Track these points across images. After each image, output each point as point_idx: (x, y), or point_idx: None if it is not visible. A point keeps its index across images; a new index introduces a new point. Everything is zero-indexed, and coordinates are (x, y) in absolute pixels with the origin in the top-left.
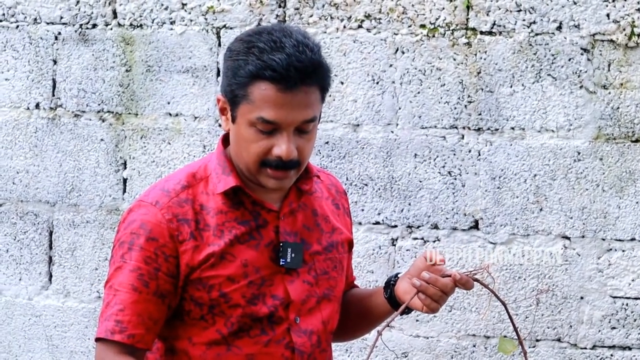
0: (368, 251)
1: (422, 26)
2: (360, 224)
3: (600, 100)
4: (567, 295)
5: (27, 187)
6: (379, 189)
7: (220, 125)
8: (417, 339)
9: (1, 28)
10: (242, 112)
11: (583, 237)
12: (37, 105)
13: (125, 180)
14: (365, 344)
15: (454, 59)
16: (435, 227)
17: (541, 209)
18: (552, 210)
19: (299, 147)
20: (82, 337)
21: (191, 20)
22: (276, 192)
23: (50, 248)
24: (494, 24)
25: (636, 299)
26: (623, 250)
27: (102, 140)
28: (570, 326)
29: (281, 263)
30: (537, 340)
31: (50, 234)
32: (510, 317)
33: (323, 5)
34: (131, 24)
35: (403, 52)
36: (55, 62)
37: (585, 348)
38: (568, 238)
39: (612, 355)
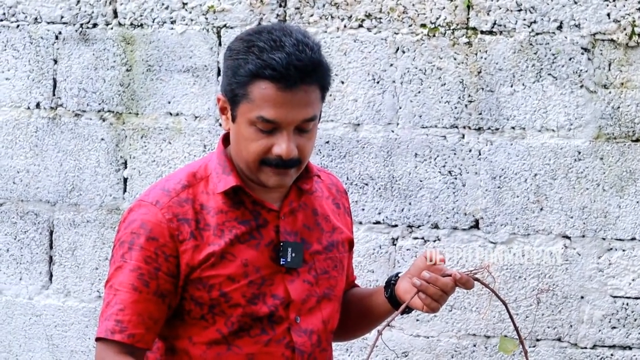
0: (368, 251)
1: (423, 26)
2: (360, 223)
3: (601, 99)
4: (567, 295)
5: (28, 187)
6: (380, 189)
7: (220, 125)
8: (417, 338)
9: (2, 27)
10: (242, 111)
11: (583, 236)
12: (38, 105)
13: (125, 180)
14: (365, 343)
15: (455, 59)
16: (436, 226)
17: (541, 209)
18: (552, 210)
19: (300, 146)
20: (83, 337)
21: (192, 20)
22: (276, 192)
23: (51, 247)
24: (494, 24)
25: (636, 298)
26: (623, 250)
27: (102, 139)
28: (571, 326)
29: (281, 262)
30: (538, 340)
31: (51, 233)
32: (510, 317)
33: (324, 5)
34: (132, 24)
35: (403, 52)
36: (55, 61)
37: (586, 348)
38: (568, 237)
39: (612, 354)
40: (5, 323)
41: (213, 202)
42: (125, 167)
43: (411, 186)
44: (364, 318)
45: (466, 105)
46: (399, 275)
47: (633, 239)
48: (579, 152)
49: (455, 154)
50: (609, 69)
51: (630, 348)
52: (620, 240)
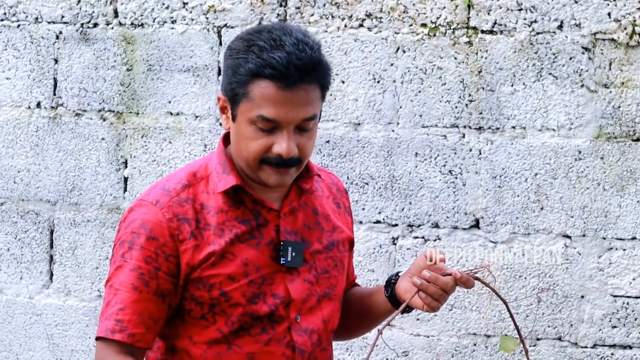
0: (369, 250)
1: (423, 25)
2: (361, 222)
3: (601, 99)
4: (567, 294)
5: (28, 186)
6: (380, 188)
7: (221, 125)
8: (417, 337)
9: (2, 27)
10: (242, 111)
11: (584, 236)
12: (38, 105)
13: (126, 179)
14: (365, 342)
15: (455, 58)
16: (436, 226)
17: (542, 208)
18: (552, 209)
19: (300, 145)
20: (83, 336)
21: (192, 20)
22: (277, 191)
23: (51, 247)
24: (495, 23)
25: (637, 297)
26: (624, 249)
27: (103, 139)
28: (571, 325)
29: (282, 262)
30: (538, 339)
31: (51, 232)
32: (511, 315)
33: (324, 4)
34: (132, 23)
35: (404, 51)
36: (56, 61)
37: (586, 347)
38: (569, 237)
39: (612, 354)
40: (6, 322)
41: (213, 201)
42: (126, 167)
43: (411, 186)
44: (364, 317)
45: (467, 105)
46: (399, 274)
47: (633, 238)
48: (580, 152)
49: (455, 153)
50: (610, 69)
51: (630, 347)
52: (620, 239)
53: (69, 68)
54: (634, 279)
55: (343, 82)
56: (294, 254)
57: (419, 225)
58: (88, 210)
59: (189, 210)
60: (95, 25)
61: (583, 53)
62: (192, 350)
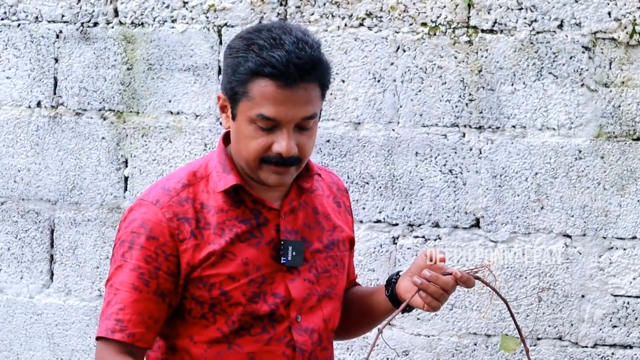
0: (369, 249)
1: (424, 24)
2: (361, 222)
3: (602, 98)
4: (568, 294)
5: (29, 186)
6: (380, 187)
7: (221, 124)
8: (418, 337)
9: (3, 26)
10: (242, 109)
11: (584, 235)
12: (39, 104)
13: (126, 179)
14: (366, 342)
15: (455, 57)
16: (436, 225)
17: (542, 208)
18: (553, 209)
19: (300, 143)
20: (83, 336)
21: (192, 19)
22: (277, 191)
23: (52, 246)
24: (495, 22)
25: (637, 297)
26: (624, 249)
27: (103, 138)
28: (572, 324)
29: (282, 261)
30: (538, 339)
31: (52, 232)
32: (512, 315)
33: (324, 4)
34: (132, 23)
35: (404, 51)
36: (56, 60)
37: (587, 346)
38: (569, 236)
39: (613, 353)
40: (6, 322)
41: (213, 201)
42: (126, 166)
43: (412, 185)
44: (365, 317)
45: (467, 104)
46: (400, 274)
47: (634, 237)
48: (580, 151)
49: (455, 152)
50: (610, 68)
51: (631, 347)
52: (621, 239)
53: (69, 67)
54: (634, 279)
55: (343, 81)
56: (294, 253)
57: (420, 225)
58: (88, 210)
59: (189, 210)
60: (96, 24)
61: (583, 52)
62: (193, 350)
